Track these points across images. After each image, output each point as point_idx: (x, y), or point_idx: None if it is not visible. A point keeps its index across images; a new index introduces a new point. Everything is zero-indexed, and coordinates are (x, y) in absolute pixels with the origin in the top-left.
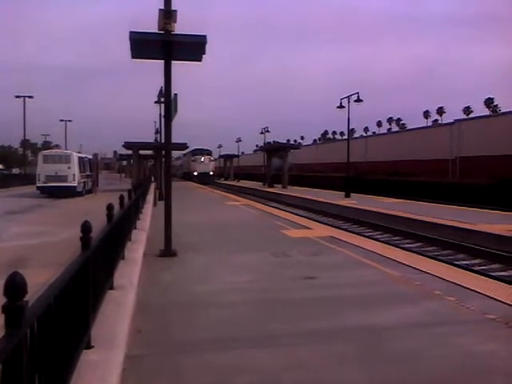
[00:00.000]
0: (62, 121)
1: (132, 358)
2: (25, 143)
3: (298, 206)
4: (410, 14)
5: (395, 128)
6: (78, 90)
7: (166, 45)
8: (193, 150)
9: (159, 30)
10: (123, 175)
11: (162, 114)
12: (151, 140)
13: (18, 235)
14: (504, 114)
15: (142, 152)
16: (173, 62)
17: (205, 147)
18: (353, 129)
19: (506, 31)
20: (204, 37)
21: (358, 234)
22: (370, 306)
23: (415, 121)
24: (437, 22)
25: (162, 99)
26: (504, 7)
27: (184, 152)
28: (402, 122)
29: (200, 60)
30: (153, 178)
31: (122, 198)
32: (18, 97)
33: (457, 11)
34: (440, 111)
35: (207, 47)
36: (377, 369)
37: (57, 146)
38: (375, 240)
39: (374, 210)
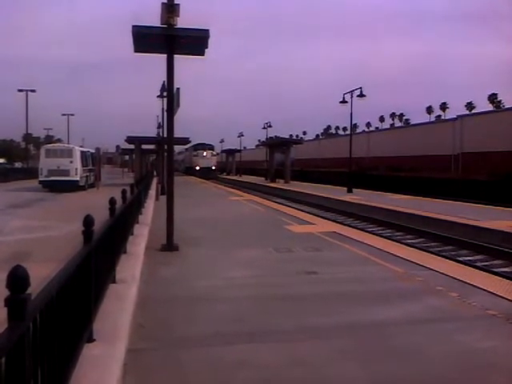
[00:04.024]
0: (64, 115)
1: (134, 352)
2: (27, 137)
3: (301, 201)
4: (413, 10)
5: (398, 123)
6: (81, 84)
7: (169, 39)
8: (195, 145)
9: (162, 23)
10: (126, 170)
11: (165, 108)
12: (154, 134)
13: (19, 229)
14: (507, 109)
15: (144, 146)
16: (175, 56)
17: (207, 142)
18: (355, 124)
19: (509, 27)
20: (207, 31)
21: (361, 229)
22: (372, 301)
23: (418, 116)
24: (441, 17)
25: (165, 93)
26: (507, 4)
27: (186, 147)
28: (405, 118)
29: (203, 54)
30: (155, 173)
31: (124, 192)
32: (20, 90)
33: (462, 6)
34: (443, 107)
35: (210, 41)
36: (379, 365)
37: (59, 140)
38: (378, 235)
39: (383, 206)
